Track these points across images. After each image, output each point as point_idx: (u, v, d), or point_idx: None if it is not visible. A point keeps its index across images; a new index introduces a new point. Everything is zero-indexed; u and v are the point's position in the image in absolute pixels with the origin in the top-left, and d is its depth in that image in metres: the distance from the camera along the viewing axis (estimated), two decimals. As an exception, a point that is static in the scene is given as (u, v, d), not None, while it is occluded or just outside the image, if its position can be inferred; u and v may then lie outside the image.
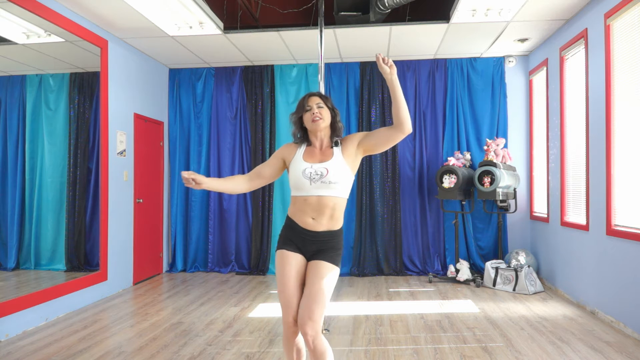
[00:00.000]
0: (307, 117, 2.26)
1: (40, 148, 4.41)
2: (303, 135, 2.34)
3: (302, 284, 2.25)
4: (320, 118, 2.24)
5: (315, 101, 2.27)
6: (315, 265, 2.21)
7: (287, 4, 5.44)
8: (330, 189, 2.19)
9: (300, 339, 2.29)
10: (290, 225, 2.30)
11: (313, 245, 2.24)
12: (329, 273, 2.19)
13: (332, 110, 2.30)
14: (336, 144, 2.29)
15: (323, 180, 2.18)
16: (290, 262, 2.24)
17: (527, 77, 6.18)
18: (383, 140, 2.22)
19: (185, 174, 2.07)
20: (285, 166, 2.35)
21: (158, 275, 6.31)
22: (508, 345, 3.49)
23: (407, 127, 2.15)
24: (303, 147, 2.32)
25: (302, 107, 2.29)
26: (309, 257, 2.26)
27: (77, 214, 4.72)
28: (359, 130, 6.29)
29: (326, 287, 2.17)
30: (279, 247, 2.30)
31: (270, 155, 6.33)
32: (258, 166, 2.36)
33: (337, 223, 2.26)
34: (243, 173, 6.44)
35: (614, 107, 3.99)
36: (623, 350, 3.35)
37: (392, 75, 2.12)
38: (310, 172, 2.20)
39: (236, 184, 2.28)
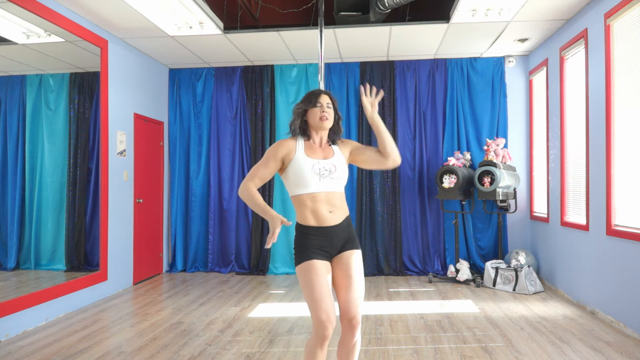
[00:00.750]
0: (314, 113, 2.28)
1: (40, 148, 4.41)
2: (302, 127, 2.33)
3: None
4: (327, 118, 2.28)
5: (325, 100, 2.31)
6: (347, 257, 2.25)
7: (287, 4, 5.44)
8: (335, 184, 2.25)
9: (325, 349, 2.27)
10: (308, 232, 2.22)
11: (340, 238, 2.26)
12: (359, 259, 2.30)
13: (336, 113, 2.34)
14: (334, 142, 2.36)
15: (332, 177, 2.23)
16: (322, 272, 2.19)
17: (527, 77, 6.17)
18: (371, 161, 2.35)
19: (277, 232, 2.11)
20: (282, 166, 2.29)
21: (158, 275, 6.31)
22: (508, 345, 3.49)
23: (394, 160, 2.29)
24: (301, 142, 2.30)
25: (310, 102, 2.30)
26: (337, 252, 2.27)
27: (77, 214, 4.72)
28: (358, 131, 6.34)
29: (362, 273, 2.30)
30: (305, 259, 2.19)
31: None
32: (258, 171, 2.26)
33: (346, 209, 2.35)
34: (243, 173, 6.45)
35: (614, 107, 3.99)
36: (623, 350, 3.35)
37: (373, 114, 2.25)
38: (319, 168, 2.22)
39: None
